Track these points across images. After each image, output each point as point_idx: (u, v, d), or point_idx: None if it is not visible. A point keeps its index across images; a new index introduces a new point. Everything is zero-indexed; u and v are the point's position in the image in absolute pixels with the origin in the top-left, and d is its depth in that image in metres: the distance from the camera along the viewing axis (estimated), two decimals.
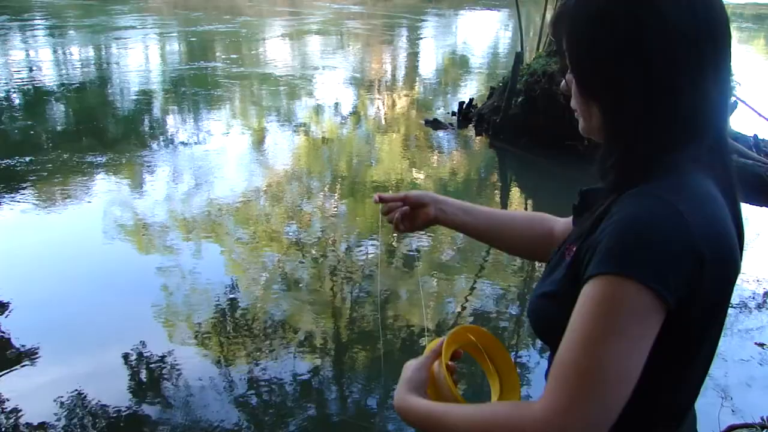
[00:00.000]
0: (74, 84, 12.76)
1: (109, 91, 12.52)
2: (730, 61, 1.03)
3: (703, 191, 0.97)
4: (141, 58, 15.94)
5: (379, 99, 13.04)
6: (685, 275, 0.91)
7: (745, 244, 1.06)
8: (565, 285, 1.03)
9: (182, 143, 9.41)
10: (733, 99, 9.82)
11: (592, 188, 1.18)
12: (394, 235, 6.42)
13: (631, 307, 0.88)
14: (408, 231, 1.54)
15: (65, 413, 3.74)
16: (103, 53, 16.27)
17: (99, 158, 8.29)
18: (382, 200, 1.53)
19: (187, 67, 14.67)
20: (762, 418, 3.39)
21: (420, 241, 6.25)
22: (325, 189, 7.93)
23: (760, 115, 9.39)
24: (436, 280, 5.61)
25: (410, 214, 1.52)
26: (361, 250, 6.15)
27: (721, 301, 1.00)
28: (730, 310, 5.18)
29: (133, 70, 14.19)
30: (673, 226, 0.91)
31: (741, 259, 1.02)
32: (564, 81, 1.14)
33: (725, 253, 0.96)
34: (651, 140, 1.01)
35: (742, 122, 9.75)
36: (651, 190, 0.96)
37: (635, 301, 0.88)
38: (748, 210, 7.49)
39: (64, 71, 13.90)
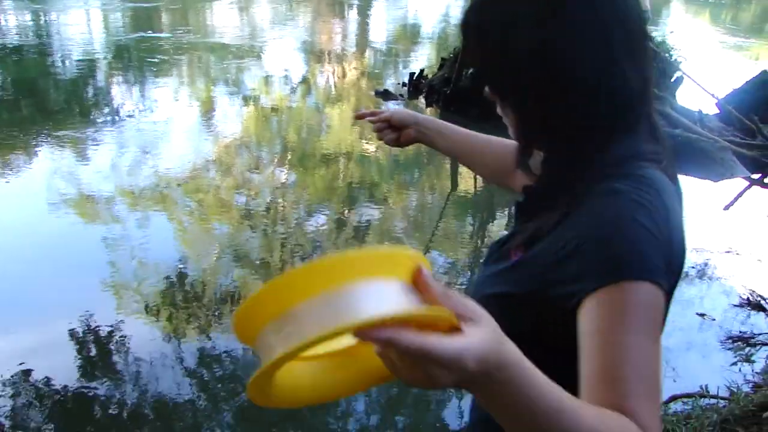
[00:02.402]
0: (13, 53, 12.32)
1: (51, 60, 12.12)
2: (645, 45, 1.00)
3: (660, 184, 0.96)
4: (83, 27, 15.46)
5: (329, 69, 12.93)
6: (671, 267, 0.92)
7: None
8: (519, 287, 1.01)
9: (128, 114, 9.19)
10: (678, 73, 10.01)
11: (537, 189, 1.12)
12: (345, 207, 6.41)
13: (654, 308, 0.87)
14: (393, 146, 1.63)
15: (10, 390, 3.66)
16: (42, 21, 15.72)
17: (41, 129, 8.06)
18: (361, 117, 1.63)
19: (133, 36, 14.30)
20: (701, 387, 3.49)
21: (371, 211, 6.25)
22: (275, 159, 7.85)
23: (705, 89, 9.58)
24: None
25: (394, 133, 1.60)
26: (311, 221, 6.12)
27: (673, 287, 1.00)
28: None
29: (75, 39, 13.76)
30: (654, 221, 0.89)
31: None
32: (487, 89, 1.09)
33: (683, 244, 0.98)
34: (582, 138, 0.99)
35: (687, 97, 9.96)
36: (615, 189, 0.93)
37: (655, 302, 0.87)
38: (691, 182, 7.69)
39: (1, 40, 13.41)
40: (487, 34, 1.00)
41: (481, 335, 0.64)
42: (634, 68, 0.96)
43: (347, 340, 0.68)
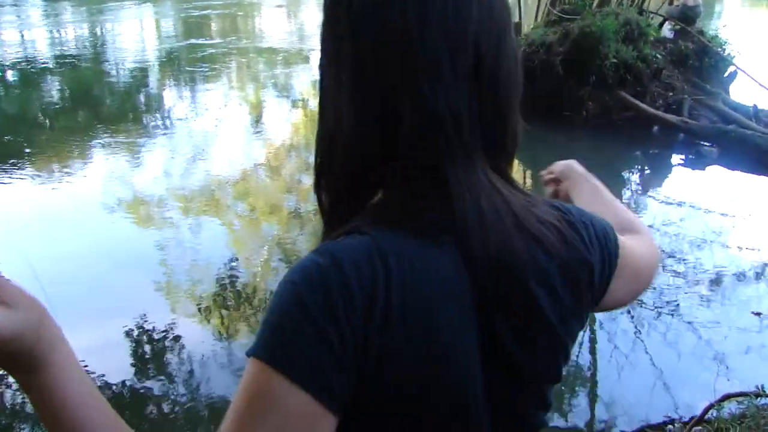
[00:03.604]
0: (70, 63, 12.67)
1: (105, 69, 12.44)
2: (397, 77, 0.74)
3: (412, 259, 0.73)
4: (137, 36, 15.83)
5: None
6: (349, 362, 0.70)
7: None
8: None
9: (180, 118, 9.38)
10: (732, 68, 9.80)
11: None
12: None
13: (279, 403, 0.69)
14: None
15: None
16: (98, 32, 16.14)
17: (97, 134, 8.28)
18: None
19: (184, 43, 14.58)
20: (757, 387, 3.42)
21: None
22: None
23: (760, 84, 9.35)
24: None
25: (553, 186, 1.29)
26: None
27: (427, 389, 0.74)
28: (727, 280, 5.25)
29: (129, 48, 14.09)
30: (327, 292, 0.70)
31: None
32: None
33: (414, 331, 0.72)
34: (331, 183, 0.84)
35: (741, 92, 9.74)
36: (328, 244, 0.77)
37: (286, 398, 0.69)
38: (744, 179, 7.51)
39: (58, 49, 13.81)
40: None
41: (10, 317, 0.65)
42: (357, 105, 0.76)
43: None
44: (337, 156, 0.79)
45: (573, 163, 1.25)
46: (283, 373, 0.69)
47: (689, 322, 4.60)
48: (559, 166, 1.26)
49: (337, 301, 0.69)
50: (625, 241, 0.94)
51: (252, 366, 0.72)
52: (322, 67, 0.81)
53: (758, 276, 5.45)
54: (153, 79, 11.69)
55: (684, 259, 5.62)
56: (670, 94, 9.09)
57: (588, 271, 0.84)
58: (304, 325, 0.70)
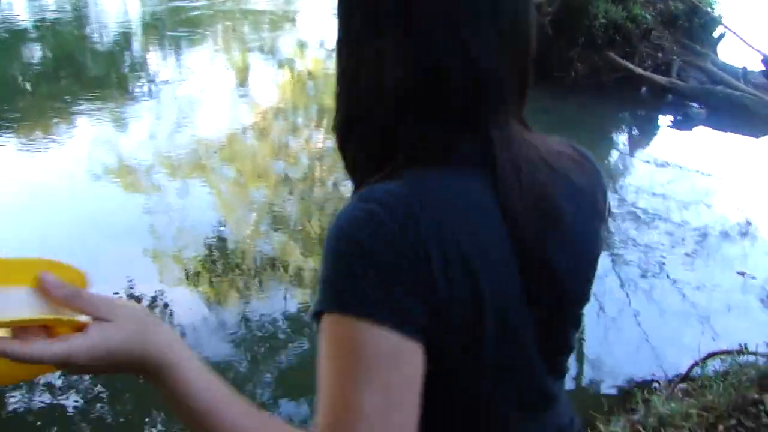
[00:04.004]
0: (51, 26, 12.46)
1: (87, 32, 12.25)
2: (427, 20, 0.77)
3: (451, 191, 0.77)
4: None
5: None
6: (418, 287, 0.72)
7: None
8: None
9: (165, 82, 9.29)
10: (721, 29, 9.76)
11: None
12: None
13: (357, 346, 0.70)
14: None
15: None
16: None
17: (80, 98, 8.18)
18: None
19: (167, 5, 14.35)
20: (740, 345, 3.47)
21: None
22: (312, 124, 7.87)
23: (750, 45, 9.33)
24: None
25: None
26: (349, 185, 6.14)
27: (474, 326, 0.76)
28: (712, 240, 5.29)
29: (110, 10, 13.87)
30: (377, 239, 0.71)
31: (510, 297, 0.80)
32: None
33: (467, 266, 0.74)
34: (359, 128, 0.84)
35: (731, 53, 9.71)
36: (358, 195, 0.78)
37: (357, 339, 0.70)
38: (732, 139, 7.54)
39: (38, 12, 13.57)
40: None
41: (102, 333, 0.68)
42: (401, 55, 0.77)
43: None
44: (376, 110, 0.81)
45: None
46: (361, 316, 0.70)
47: (674, 281, 4.64)
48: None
49: (390, 233, 0.71)
50: None
51: (327, 325, 0.73)
52: (353, 22, 0.82)
53: (743, 235, 5.50)
54: (137, 43, 11.54)
55: (670, 219, 5.66)
56: (659, 54, 9.06)
57: (603, 195, 0.91)
58: (365, 263, 0.71)
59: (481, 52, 0.77)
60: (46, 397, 3.46)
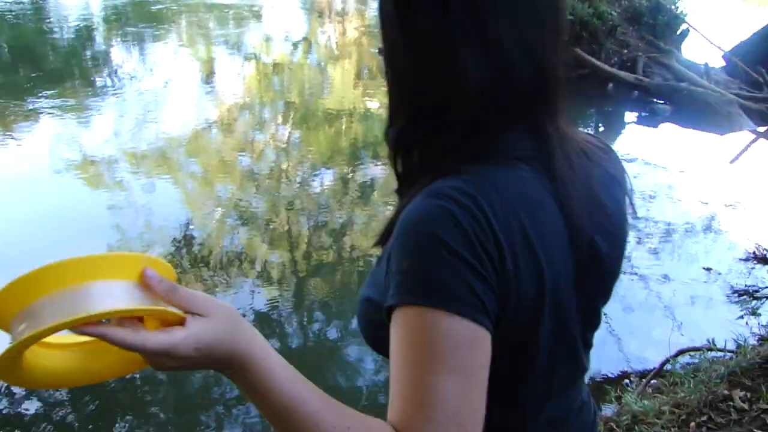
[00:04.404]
0: (7, 17, 12.19)
1: (47, 24, 11.99)
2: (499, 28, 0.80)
3: (493, 185, 0.80)
4: None
5: (330, 27, 12.78)
6: (494, 278, 0.76)
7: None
8: (377, 291, 0.86)
9: (128, 76, 9.13)
10: (684, 26, 9.89)
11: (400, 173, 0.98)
12: (349, 166, 6.41)
13: (443, 337, 0.73)
14: None
15: None
16: None
17: (41, 93, 8.01)
18: None
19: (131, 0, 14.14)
20: (708, 340, 3.51)
21: (375, 170, 6.24)
22: (278, 119, 7.81)
23: (711, 42, 9.47)
24: (391, 208, 5.62)
25: None
26: (315, 180, 6.12)
27: (537, 308, 0.82)
28: (677, 235, 5.36)
29: (71, 3, 13.60)
30: (456, 233, 0.75)
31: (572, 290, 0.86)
32: None
33: (533, 255, 0.80)
34: (423, 127, 0.87)
35: (693, 50, 9.85)
36: (429, 190, 0.80)
37: (444, 330, 0.73)
38: (697, 136, 7.64)
39: None
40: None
41: (202, 327, 0.71)
42: (479, 58, 0.80)
43: None
44: (450, 110, 0.83)
45: None
46: (439, 307, 0.74)
47: (640, 276, 4.69)
48: None
49: (466, 227, 0.75)
50: None
51: (404, 317, 0.76)
52: (422, 23, 0.82)
53: (707, 230, 5.58)
54: (99, 37, 11.32)
55: (635, 214, 5.72)
56: (625, 51, 9.16)
57: (628, 182, 0.98)
58: (443, 255, 0.75)
59: (545, 55, 0.82)
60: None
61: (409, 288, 0.76)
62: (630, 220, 0.99)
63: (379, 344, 0.87)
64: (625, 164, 0.99)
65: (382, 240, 0.90)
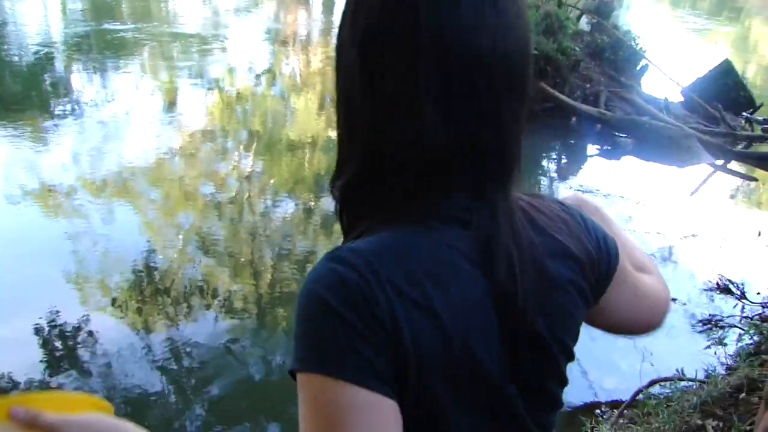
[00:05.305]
0: None
1: (6, 50, 11.78)
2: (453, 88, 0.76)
3: (425, 250, 0.77)
4: (41, 18, 15.07)
5: (294, 57, 12.80)
6: (384, 341, 0.72)
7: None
8: None
9: (90, 104, 8.97)
10: (644, 62, 10.11)
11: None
12: (312, 195, 6.37)
13: (338, 406, 0.71)
14: None
15: None
16: None
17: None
18: None
19: (93, 26, 13.99)
20: (677, 370, 3.52)
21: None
22: (241, 148, 7.75)
23: (670, 78, 9.68)
24: None
25: None
26: (278, 210, 6.06)
27: (447, 388, 0.77)
28: None
29: (32, 29, 13.41)
30: (345, 287, 0.72)
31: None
32: None
33: (435, 320, 0.75)
34: (357, 184, 0.84)
35: (652, 85, 10.06)
36: (337, 249, 0.78)
37: (341, 398, 0.71)
38: (659, 169, 7.77)
39: None
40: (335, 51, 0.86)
41: None
42: (442, 123, 0.76)
43: None
44: (402, 172, 0.79)
45: (582, 197, 1.24)
46: (326, 374, 0.72)
47: None
48: (569, 199, 1.24)
49: (358, 295, 0.72)
50: (628, 266, 0.98)
51: (300, 381, 0.74)
52: (384, 84, 0.78)
53: (666, 260, 5.65)
54: (59, 64, 11.14)
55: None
56: (588, 85, 9.31)
57: (592, 253, 0.90)
58: (333, 322, 0.72)
59: (509, 125, 0.80)
60: None
61: (301, 354, 0.74)
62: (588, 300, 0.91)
63: None
64: (587, 195, 0.93)
65: None
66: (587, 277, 0.88)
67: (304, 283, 0.76)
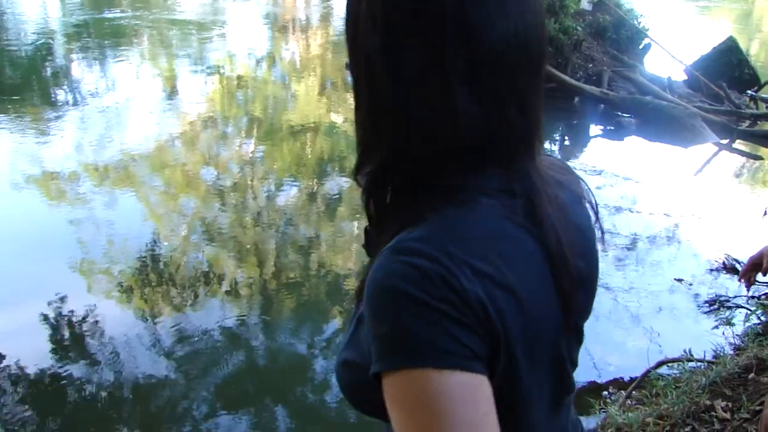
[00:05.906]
0: None
1: (5, 39, 11.74)
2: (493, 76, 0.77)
3: (482, 227, 0.78)
4: (38, 8, 14.98)
5: (293, 41, 12.74)
6: (476, 326, 0.72)
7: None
8: (359, 352, 0.82)
9: (91, 92, 8.96)
10: (646, 41, 10.04)
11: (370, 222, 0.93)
12: (315, 180, 6.36)
13: (439, 395, 0.69)
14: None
15: None
16: None
17: (1, 108, 7.82)
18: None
19: (92, 15, 13.93)
20: (685, 351, 3.51)
21: (341, 183, 6.19)
22: (242, 134, 7.73)
23: (673, 56, 9.61)
24: (357, 222, 5.58)
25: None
26: (281, 195, 6.05)
27: (526, 355, 0.78)
28: (644, 247, 5.38)
29: (31, 18, 13.36)
30: (423, 287, 0.71)
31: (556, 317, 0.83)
32: None
33: (511, 293, 0.76)
34: (399, 166, 0.82)
35: (655, 63, 10.00)
36: (393, 243, 0.76)
37: (437, 388, 0.69)
38: (662, 149, 7.73)
39: None
40: (346, 26, 0.85)
41: None
42: (473, 105, 0.76)
43: None
44: (437, 153, 0.80)
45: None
46: (424, 366, 0.70)
47: (608, 287, 4.69)
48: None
49: (440, 281, 0.71)
50: None
51: (391, 384, 0.72)
52: (408, 59, 0.77)
53: (671, 241, 5.63)
54: (59, 53, 11.12)
55: (602, 228, 5.75)
56: (590, 65, 9.25)
57: (591, 194, 0.97)
58: (415, 311, 0.71)
59: (533, 101, 0.80)
60: None
61: (389, 352, 0.72)
62: (597, 234, 0.96)
63: (367, 407, 0.85)
64: (592, 177, 0.95)
65: (359, 296, 0.84)
66: (595, 219, 0.95)
67: (374, 281, 0.74)
